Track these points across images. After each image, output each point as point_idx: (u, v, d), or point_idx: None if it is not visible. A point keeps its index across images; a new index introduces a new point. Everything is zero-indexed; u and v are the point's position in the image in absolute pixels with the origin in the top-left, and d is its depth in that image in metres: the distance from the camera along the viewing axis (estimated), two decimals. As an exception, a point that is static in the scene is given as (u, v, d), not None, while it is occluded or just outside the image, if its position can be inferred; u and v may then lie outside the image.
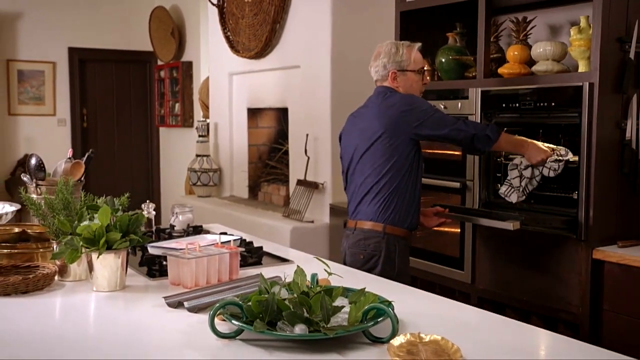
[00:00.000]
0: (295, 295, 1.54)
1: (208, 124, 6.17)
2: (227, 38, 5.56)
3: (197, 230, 2.77)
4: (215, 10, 5.71)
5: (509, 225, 2.69)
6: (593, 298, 2.66)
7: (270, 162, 5.59)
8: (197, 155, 6.01)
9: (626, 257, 2.54)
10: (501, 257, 3.02)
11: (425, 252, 3.38)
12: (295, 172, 4.81)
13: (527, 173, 2.79)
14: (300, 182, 4.66)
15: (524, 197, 2.84)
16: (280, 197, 5.20)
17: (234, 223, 4.35)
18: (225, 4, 5.60)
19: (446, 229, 3.23)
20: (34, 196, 2.25)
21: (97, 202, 2.00)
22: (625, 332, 2.56)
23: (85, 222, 1.86)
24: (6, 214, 2.31)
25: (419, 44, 2.81)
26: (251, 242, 2.58)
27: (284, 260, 2.37)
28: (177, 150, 7.55)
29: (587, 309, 2.66)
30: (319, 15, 4.48)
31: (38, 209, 1.97)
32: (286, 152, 5.20)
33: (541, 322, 2.80)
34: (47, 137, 7.43)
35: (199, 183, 5.92)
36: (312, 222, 4.45)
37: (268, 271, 2.10)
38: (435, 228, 3.03)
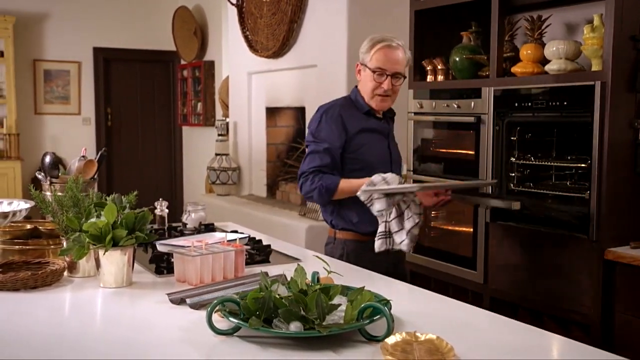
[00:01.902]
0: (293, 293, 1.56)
1: (227, 123, 6.22)
2: (246, 37, 5.60)
3: (209, 228, 2.80)
4: (234, 10, 5.75)
5: (509, 205, 2.70)
6: (605, 299, 2.63)
7: (288, 160, 5.61)
8: (217, 154, 6.06)
9: (638, 257, 2.50)
10: (513, 257, 3.00)
11: (438, 251, 3.38)
12: (312, 171, 4.82)
13: (392, 215, 2.37)
14: (316, 181, 4.66)
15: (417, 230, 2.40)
16: (298, 196, 5.21)
17: (251, 222, 4.39)
18: (244, 4, 5.64)
19: (458, 229, 3.22)
20: (48, 194, 2.30)
21: (105, 199, 2.04)
22: (637, 334, 2.52)
23: (93, 219, 1.90)
24: (20, 211, 2.35)
25: (390, 43, 2.47)
26: (260, 241, 2.60)
27: (293, 258, 2.39)
28: (199, 148, 7.62)
29: (599, 310, 2.63)
30: (335, 15, 4.49)
31: (47, 206, 2.01)
32: (304, 152, 5.21)
33: (553, 323, 2.77)
34: (72, 135, 7.57)
35: (218, 182, 5.96)
36: (328, 221, 4.45)
37: (274, 269, 2.12)
38: (437, 212, 2.99)
